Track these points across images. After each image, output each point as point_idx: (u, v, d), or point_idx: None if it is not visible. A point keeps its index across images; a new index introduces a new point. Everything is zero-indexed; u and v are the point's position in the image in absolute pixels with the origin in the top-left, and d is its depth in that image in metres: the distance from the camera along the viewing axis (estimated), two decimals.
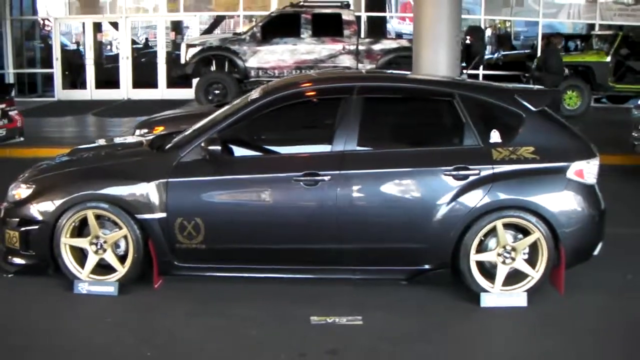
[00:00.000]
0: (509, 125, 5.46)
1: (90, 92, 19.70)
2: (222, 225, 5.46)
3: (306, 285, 5.58)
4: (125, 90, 19.62)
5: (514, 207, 5.30)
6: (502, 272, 5.34)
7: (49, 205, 5.60)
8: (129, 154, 6.13)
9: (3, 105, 11.12)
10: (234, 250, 5.53)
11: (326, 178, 5.33)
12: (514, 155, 5.33)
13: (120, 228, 5.53)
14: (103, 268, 5.65)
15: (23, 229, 5.67)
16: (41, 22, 21.08)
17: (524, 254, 5.39)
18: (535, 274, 5.34)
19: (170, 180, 5.46)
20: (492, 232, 5.34)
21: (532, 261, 5.38)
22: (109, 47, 21.33)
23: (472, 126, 5.40)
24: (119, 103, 18.44)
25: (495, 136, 5.40)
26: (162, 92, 19.35)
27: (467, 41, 16.18)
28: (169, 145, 5.74)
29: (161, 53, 19.70)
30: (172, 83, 19.11)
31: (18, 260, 5.81)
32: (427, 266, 5.41)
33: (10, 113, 11.31)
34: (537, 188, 5.31)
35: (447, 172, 5.29)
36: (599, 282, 5.78)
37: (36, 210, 5.64)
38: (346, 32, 16.18)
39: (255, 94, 5.94)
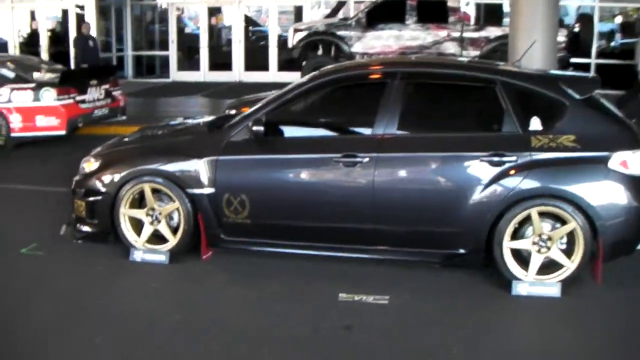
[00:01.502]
0: (551, 113, 5.37)
1: (204, 74, 20.50)
2: (265, 202, 5.71)
3: (341, 263, 5.73)
4: (238, 73, 20.27)
5: (549, 195, 5.22)
6: (536, 261, 5.29)
7: (111, 178, 6.04)
8: (186, 132, 6.47)
9: (107, 86, 11.85)
10: (276, 227, 5.76)
11: (364, 160, 5.45)
12: (553, 143, 5.25)
13: (173, 201, 5.89)
14: (159, 238, 6.04)
15: (89, 199, 6.15)
16: (159, 6, 22.00)
17: (562, 243, 5.32)
18: (570, 265, 5.26)
19: (219, 157, 5.75)
20: (529, 219, 5.29)
21: (569, 251, 5.30)
22: (223, 30, 22.01)
23: (512, 113, 5.36)
24: (229, 85, 19.06)
25: (535, 123, 5.33)
26: (273, 75, 19.82)
27: (576, 29, 15.72)
28: (226, 126, 6.00)
29: (273, 37, 20.20)
30: (282, 66, 19.55)
31: (85, 228, 6.30)
32: (461, 250, 5.43)
33: (113, 93, 12.07)
34: (574, 177, 5.20)
35: (484, 158, 5.28)
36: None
37: (100, 182, 6.10)
38: (451, 18, 16.05)
39: (304, 78, 6.13)
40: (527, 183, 5.21)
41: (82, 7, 19.68)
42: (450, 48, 15.92)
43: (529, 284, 5.27)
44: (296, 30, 16.87)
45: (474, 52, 15.76)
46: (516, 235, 5.35)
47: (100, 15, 19.73)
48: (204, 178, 5.76)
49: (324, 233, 5.66)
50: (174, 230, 5.98)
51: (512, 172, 5.23)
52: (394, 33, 16.17)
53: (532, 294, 5.23)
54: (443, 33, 15.99)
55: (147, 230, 6.02)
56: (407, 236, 5.52)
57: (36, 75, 11.41)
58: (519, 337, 4.80)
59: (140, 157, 6.09)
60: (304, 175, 5.64)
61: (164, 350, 4.48)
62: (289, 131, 5.90)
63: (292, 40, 16.79)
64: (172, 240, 5.96)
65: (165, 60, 21.26)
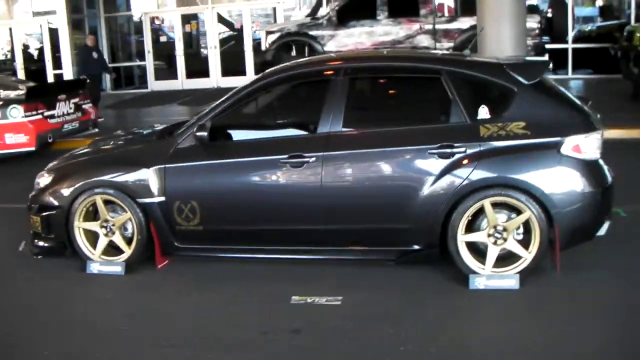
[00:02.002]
0: (499, 100, 5.28)
1: (182, 82, 20.40)
2: (215, 207, 5.63)
3: (296, 265, 5.66)
4: (215, 79, 20.17)
5: (501, 185, 5.12)
6: (492, 253, 5.19)
7: (63, 192, 5.97)
8: (135, 142, 6.38)
9: (76, 99, 11.74)
10: (228, 232, 5.68)
11: (311, 160, 5.36)
12: (502, 131, 5.15)
13: (126, 212, 5.79)
14: (117, 249, 5.96)
15: (44, 214, 6.06)
16: (134, 17, 21.88)
17: (518, 234, 5.23)
18: (528, 255, 5.16)
19: (167, 165, 5.66)
20: (484, 211, 5.18)
21: (527, 242, 5.19)
22: (198, 37, 21.88)
23: (459, 103, 5.25)
24: (207, 91, 18.96)
25: (483, 112, 5.23)
26: (250, 78, 19.59)
27: (549, 14, 15.67)
28: (175, 133, 5.91)
29: (248, 41, 20.09)
30: (259, 69, 19.40)
31: (42, 243, 6.24)
32: (415, 247, 5.34)
33: (83, 106, 11.97)
34: (526, 165, 5.09)
35: (432, 151, 5.18)
36: (602, 263, 5.53)
37: (54, 196, 6.03)
38: (422, 11, 15.94)
39: (251, 80, 6.04)
40: (477, 174, 5.11)
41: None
42: (424, 41, 15.84)
43: (486, 277, 5.17)
44: (268, 33, 16.80)
45: (447, 44, 15.69)
46: (472, 227, 5.26)
47: (74, 29, 19.56)
48: (154, 187, 5.68)
49: (276, 236, 5.58)
50: (129, 241, 5.89)
51: (462, 163, 5.13)
52: (365, 29, 16.09)
53: (490, 287, 5.12)
54: (415, 26, 15.91)
55: (102, 242, 5.94)
56: (360, 235, 5.43)
57: (3, 93, 11.30)
58: (474, 332, 4.66)
59: (91, 169, 6.01)
60: (252, 178, 5.54)
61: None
62: (237, 135, 5.82)
63: (265, 42, 16.72)
64: (127, 251, 5.89)
65: (143, 71, 21.16)
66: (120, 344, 4.63)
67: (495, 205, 5.17)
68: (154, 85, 20.63)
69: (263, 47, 16.87)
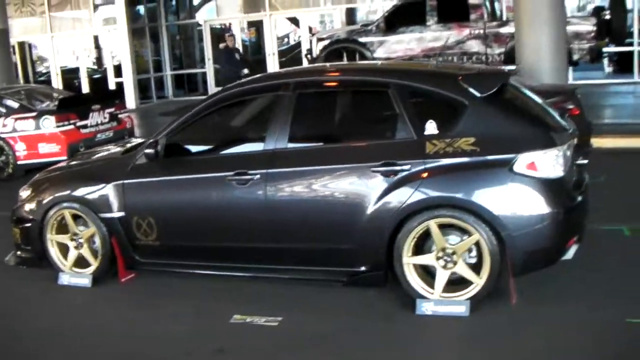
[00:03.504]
0: (448, 115, 4.97)
1: None
2: (168, 223, 5.64)
3: (250, 283, 5.56)
4: None
5: (447, 205, 4.85)
6: (441, 277, 4.93)
7: (37, 206, 6.13)
8: (102, 158, 6.45)
9: (112, 109, 12.01)
10: (183, 247, 5.68)
11: (255, 177, 5.26)
12: (450, 147, 4.86)
13: (91, 226, 5.86)
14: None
15: (22, 226, 6.25)
16: (197, 25, 22.24)
17: (471, 257, 4.95)
18: (479, 281, 4.87)
19: (125, 181, 5.70)
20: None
21: (480, 266, 4.91)
22: (256, 44, 22.02)
23: (405, 117, 5.00)
24: None
25: (431, 127, 4.96)
26: None
27: (607, 16, 15.01)
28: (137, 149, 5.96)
29: (305, 47, 20.04)
30: None
31: (22, 254, 6.41)
32: (362, 268, 5.14)
33: (119, 116, 12.22)
34: (473, 184, 4.79)
35: (375, 169, 4.97)
36: (570, 292, 5.15)
37: (30, 209, 6.20)
38: (472, 16, 15.48)
39: (208, 95, 6.01)
40: (421, 193, 4.85)
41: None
42: (474, 46, 15.35)
43: (434, 302, 4.92)
44: (319, 40, 16.69)
45: (498, 49, 15.19)
46: (422, 249, 5.01)
47: (135, 37, 20.07)
48: (114, 202, 5.74)
49: (226, 253, 5.53)
50: (97, 254, 5.96)
51: (405, 182, 4.88)
52: (415, 35, 15.75)
53: (438, 313, 4.87)
54: (465, 31, 15.45)
55: (72, 255, 6.06)
56: (306, 254, 5.29)
57: (39, 104, 11.71)
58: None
59: (61, 184, 6.15)
60: (201, 195, 5.50)
61: None
62: (191, 151, 5.83)
63: (316, 49, 16.62)
64: (94, 264, 5.97)
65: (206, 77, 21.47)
66: (46, 352, 4.79)
67: (446, 226, 4.91)
68: (215, 91, 20.85)
69: (314, 54, 16.76)
